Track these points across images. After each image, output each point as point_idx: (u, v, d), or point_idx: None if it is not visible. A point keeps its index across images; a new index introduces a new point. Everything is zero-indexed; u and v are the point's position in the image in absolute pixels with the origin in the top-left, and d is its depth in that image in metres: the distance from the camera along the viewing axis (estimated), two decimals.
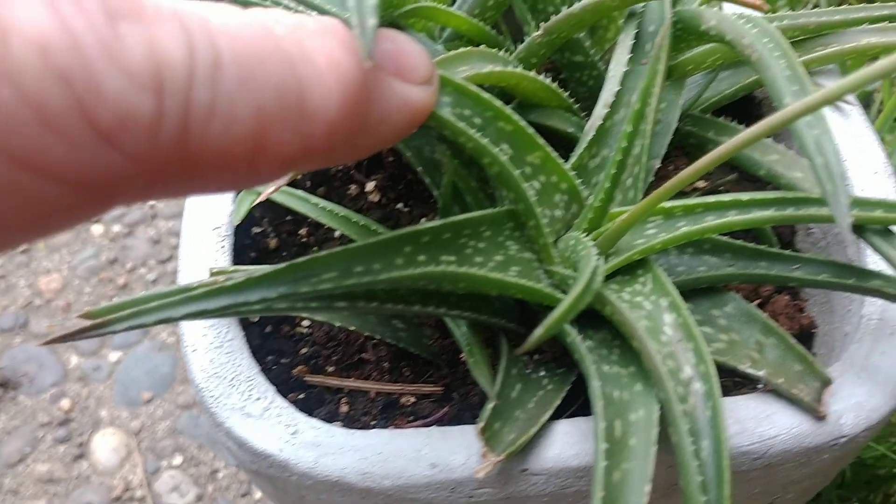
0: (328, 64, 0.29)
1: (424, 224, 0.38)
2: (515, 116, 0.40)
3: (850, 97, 0.55)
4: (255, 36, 0.27)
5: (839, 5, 0.91)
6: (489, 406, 0.39)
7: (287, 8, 0.44)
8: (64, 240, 1.03)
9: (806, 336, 0.54)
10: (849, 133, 0.53)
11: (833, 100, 0.33)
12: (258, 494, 0.83)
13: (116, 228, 1.04)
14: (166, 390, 0.90)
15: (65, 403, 0.89)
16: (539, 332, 0.30)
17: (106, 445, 0.86)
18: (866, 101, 1.03)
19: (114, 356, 0.93)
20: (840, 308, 0.51)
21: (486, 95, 0.39)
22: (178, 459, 0.85)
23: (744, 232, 0.57)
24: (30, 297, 0.97)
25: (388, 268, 0.36)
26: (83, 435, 0.87)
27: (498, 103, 0.39)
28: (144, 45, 0.25)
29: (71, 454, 0.86)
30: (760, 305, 0.54)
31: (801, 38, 0.55)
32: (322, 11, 0.44)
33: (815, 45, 0.55)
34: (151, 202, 1.07)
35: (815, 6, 1.04)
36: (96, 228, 1.04)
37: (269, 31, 0.28)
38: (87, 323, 0.35)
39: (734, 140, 0.34)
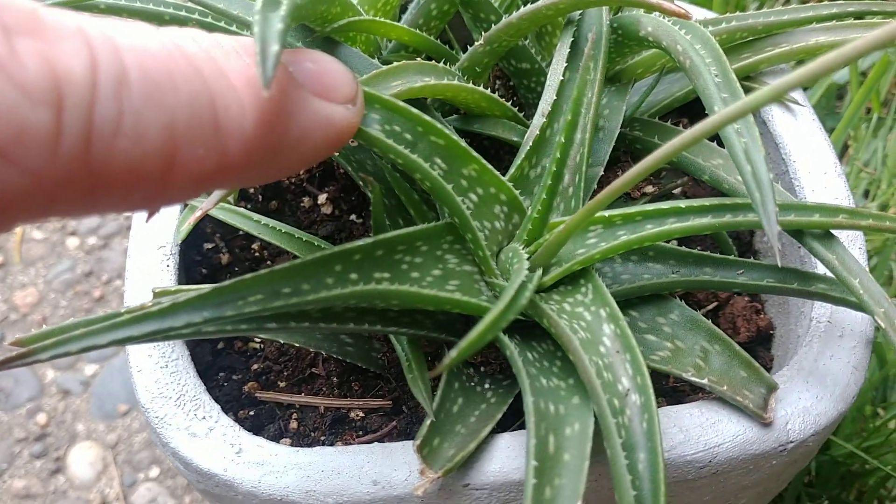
0: (244, 82, 0.29)
1: (355, 242, 0.37)
2: (447, 130, 0.40)
3: (800, 98, 0.54)
4: (164, 53, 0.27)
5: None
6: (427, 422, 0.39)
7: (212, 26, 0.44)
8: (39, 253, 1.03)
9: (764, 338, 0.54)
10: (799, 134, 0.53)
11: (752, 109, 0.32)
12: None
13: (92, 241, 1.04)
14: None
15: (41, 418, 0.89)
16: (453, 354, 0.29)
17: (83, 459, 0.86)
18: (839, 93, 1.02)
19: (90, 370, 0.93)
20: (795, 310, 0.51)
21: (416, 111, 0.39)
22: (154, 471, 0.85)
23: (704, 236, 0.57)
24: (5, 312, 0.97)
25: (318, 288, 0.36)
26: (60, 449, 0.87)
27: (427, 118, 0.39)
28: (42, 60, 0.24)
29: (48, 469, 0.86)
30: (719, 308, 0.54)
31: (752, 39, 0.55)
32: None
33: (766, 46, 0.55)
34: (127, 213, 1.07)
35: (787, 3, 1.04)
36: (72, 241, 1.04)
37: (180, 48, 0.28)
38: (16, 351, 0.35)
39: (658, 153, 0.34)
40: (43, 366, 0.93)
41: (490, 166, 0.42)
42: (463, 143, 0.40)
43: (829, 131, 0.89)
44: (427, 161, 0.39)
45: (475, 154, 0.41)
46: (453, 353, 0.29)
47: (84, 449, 0.88)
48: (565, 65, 0.44)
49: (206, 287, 0.34)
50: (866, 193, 0.86)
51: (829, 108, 0.97)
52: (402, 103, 0.38)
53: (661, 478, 0.35)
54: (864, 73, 0.97)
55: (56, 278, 1.01)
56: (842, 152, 0.91)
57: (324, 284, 0.36)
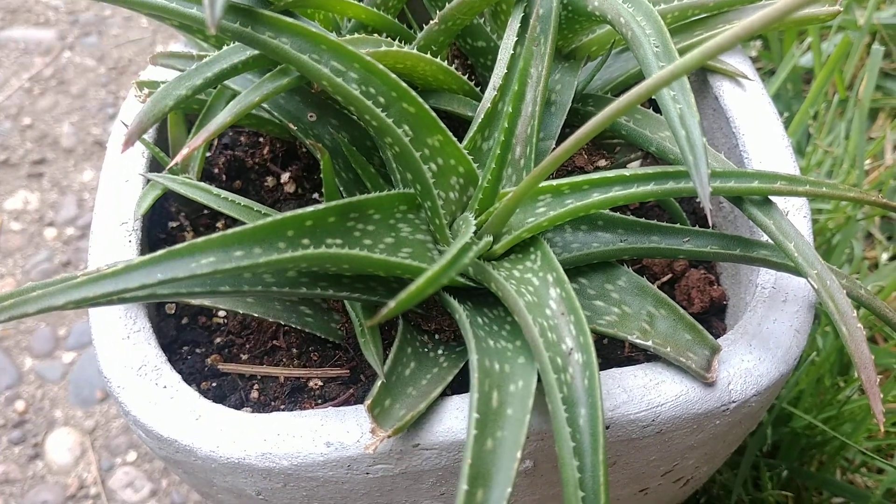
0: None
1: (307, 209, 0.39)
2: (420, 99, 0.41)
3: (750, 73, 0.56)
4: None
5: None
6: (377, 383, 0.40)
7: None
8: (17, 244, 1.03)
9: (718, 308, 0.55)
10: (748, 107, 0.54)
11: (682, 73, 0.34)
12: None
13: (70, 231, 1.05)
14: None
15: (19, 405, 0.90)
16: (391, 305, 0.31)
17: (61, 445, 0.87)
18: (807, 77, 1.04)
19: (68, 357, 0.94)
20: (745, 279, 0.53)
21: (393, 76, 0.40)
22: (132, 456, 0.86)
23: (661, 209, 0.58)
24: None
25: (269, 251, 0.37)
26: (38, 436, 0.88)
27: (404, 84, 0.41)
28: None
29: (26, 455, 0.87)
30: (674, 280, 0.56)
31: (705, 16, 0.57)
32: None
33: (718, 23, 0.56)
34: None
35: None
36: (49, 232, 1.05)
37: None
38: None
39: (596, 119, 0.35)
40: (21, 354, 0.94)
41: (454, 138, 0.43)
42: (433, 113, 0.41)
43: (795, 114, 0.90)
44: (398, 127, 0.41)
45: (442, 125, 0.42)
46: (391, 304, 0.30)
47: (62, 435, 0.88)
48: (515, 39, 0.46)
49: (158, 252, 0.35)
50: (829, 174, 0.88)
51: (796, 91, 0.99)
52: (381, 66, 0.39)
53: (601, 431, 0.36)
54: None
55: (34, 268, 1.01)
56: (806, 134, 0.92)
57: (275, 248, 0.37)
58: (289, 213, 0.38)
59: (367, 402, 0.39)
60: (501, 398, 0.37)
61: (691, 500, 0.69)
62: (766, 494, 0.68)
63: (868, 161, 0.88)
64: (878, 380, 0.38)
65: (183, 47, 0.61)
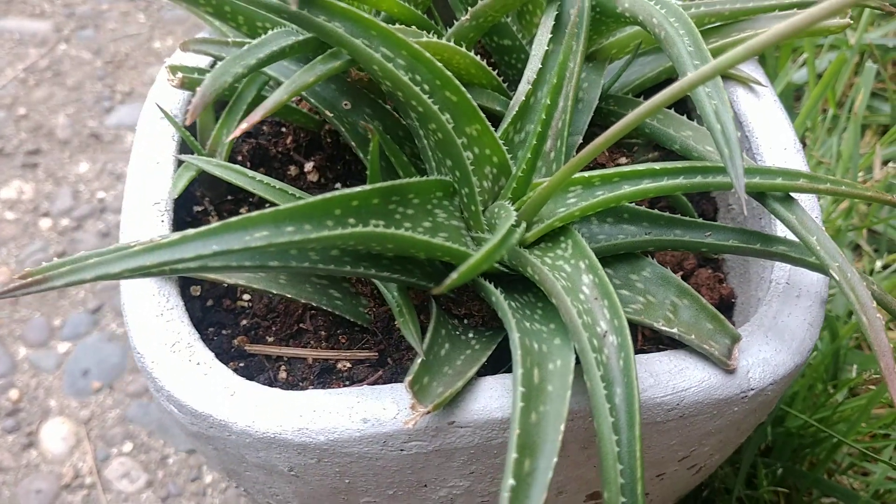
0: None
1: (353, 189, 0.40)
2: (462, 88, 0.43)
3: (762, 79, 0.58)
4: None
5: None
6: (417, 360, 0.41)
7: None
8: (11, 234, 1.03)
9: (726, 306, 0.57)
10: (761, 113, 0.56)
11: (723, 70, 0.35)
12: (208, 479, 0.84)
13: (65, 222, 1.05)
14: (116, 380, 0.91)
15: (13, 394, 0.89)
16: (454, 276, 0.32)
17: (55, 434, 0.87)
18: (797, 94, 1.07)
19: (63, 347, 0.93)
20: (755, 276, 0.55)
21: (439, 64, 0.42)
22: (128, 447, 0.86)
23: (671, 210, 0.60)
24: None
25: (319, 228, 0.38)
26: (32, 425, 0.87)
27: (448, 73, 0.42)
28: None
29: (20, 443, 0.86)
30: (685, 278, 0.57)
31: (719, 25, 0.59)
32: None
33: (732, 31, 0.58)
34: (100, 195, 1.08)
35: None
36: (44, 222, 1.04)
37: None
38: (27, 280, 0.37)
39: (638, 110, 0.37)
40: (15, 343, 0.94)
41: (491, 129, 0.44)
42: (473, 102, 0.43)
43: None
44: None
45: (481, 115, 0.44)
46: (454, 276, 0.32)
47: (56, 424, 0.88)
48: (550, 36, 0.47)
49: (212, 224, 0.36)
50: None
51: (787, 107, 1.02)
52: (427, 54, 0.41)
53: (637, 408, 0.38)
54: (821, 74, 1.02)
55: (28, 258, 1.01)
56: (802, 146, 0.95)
57: (325, 226, 0.38)
58: (336, 193, 0.39)
59: (408, 378, 0.40)
60: (542, 375, 0.38)
61: (696, 491, 0.71)
62: (762, 491, 0.70)
63: (859, 174, 0.91)
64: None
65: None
